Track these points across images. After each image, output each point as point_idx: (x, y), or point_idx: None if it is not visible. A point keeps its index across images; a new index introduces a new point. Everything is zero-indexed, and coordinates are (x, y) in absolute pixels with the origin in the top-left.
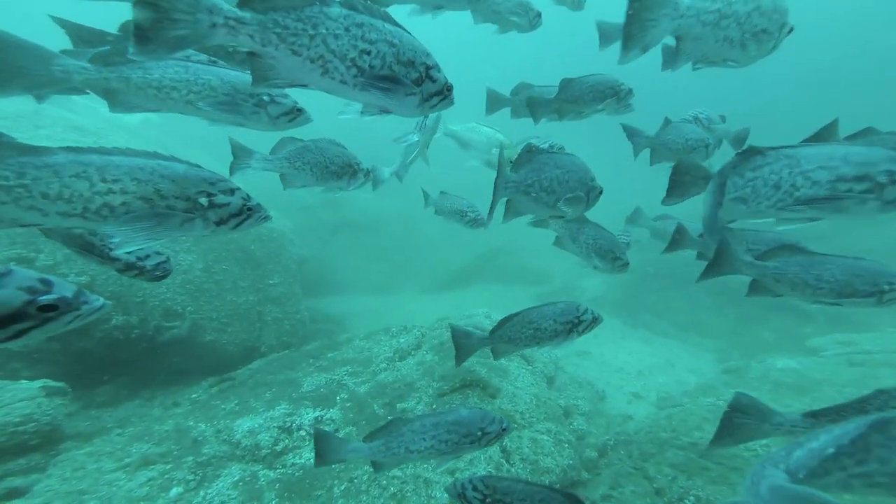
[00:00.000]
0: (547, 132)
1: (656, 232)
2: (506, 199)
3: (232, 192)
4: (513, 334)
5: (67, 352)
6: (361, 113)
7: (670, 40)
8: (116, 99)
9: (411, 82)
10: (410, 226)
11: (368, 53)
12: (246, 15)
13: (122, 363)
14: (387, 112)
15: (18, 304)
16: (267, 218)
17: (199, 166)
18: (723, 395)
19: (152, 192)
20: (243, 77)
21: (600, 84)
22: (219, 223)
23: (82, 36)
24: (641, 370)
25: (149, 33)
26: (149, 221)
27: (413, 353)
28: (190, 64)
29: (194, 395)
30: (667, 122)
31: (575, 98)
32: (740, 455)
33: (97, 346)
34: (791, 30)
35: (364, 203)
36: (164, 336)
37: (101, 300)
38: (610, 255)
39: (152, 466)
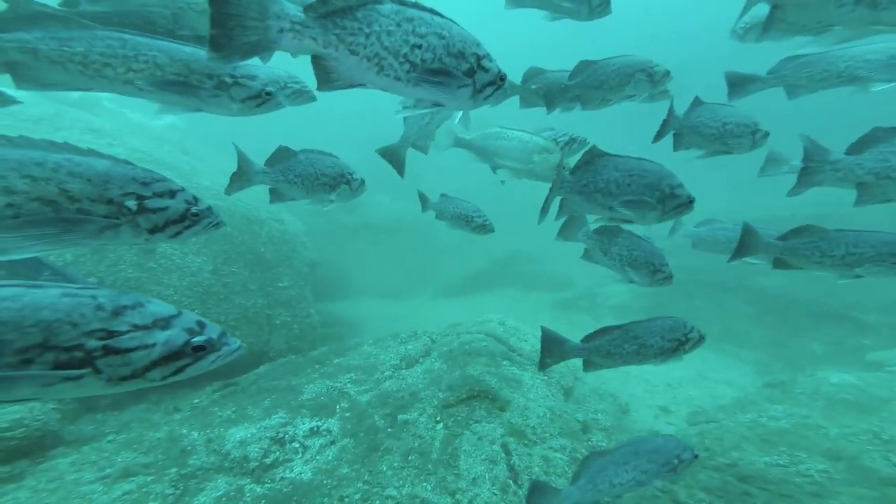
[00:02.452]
0: (564, 123)
1: (699, 240)
2: (561, 197)
3: (172, 193)
4: (613, 348)
5: None
6: (406, 108)
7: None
8: (22, 73)
9: (463, 73)
10: (427, 229)
11: (420, 48)
12: (309, 19)
13: None
14: (440, 106)
15: (181, 344)
16: (218, 224)
17: (129, 163)
18: (765, 412)
19: (55, 193)
20: (198, 53)
21: (628, 66)
22: (153, 230)
23: None
24: (670, 382)
25: (222, 40)
26: (50, 228)
27: (421, 360)
28: (129, 36)
29: (196, 401)
30: (697, 102)
31: (599, 83)
32: (790, 480)
33: None
34: None
35: (381, 206)
36: None
37: (238, 343)
38: (648, 267)
39: (132, 478)
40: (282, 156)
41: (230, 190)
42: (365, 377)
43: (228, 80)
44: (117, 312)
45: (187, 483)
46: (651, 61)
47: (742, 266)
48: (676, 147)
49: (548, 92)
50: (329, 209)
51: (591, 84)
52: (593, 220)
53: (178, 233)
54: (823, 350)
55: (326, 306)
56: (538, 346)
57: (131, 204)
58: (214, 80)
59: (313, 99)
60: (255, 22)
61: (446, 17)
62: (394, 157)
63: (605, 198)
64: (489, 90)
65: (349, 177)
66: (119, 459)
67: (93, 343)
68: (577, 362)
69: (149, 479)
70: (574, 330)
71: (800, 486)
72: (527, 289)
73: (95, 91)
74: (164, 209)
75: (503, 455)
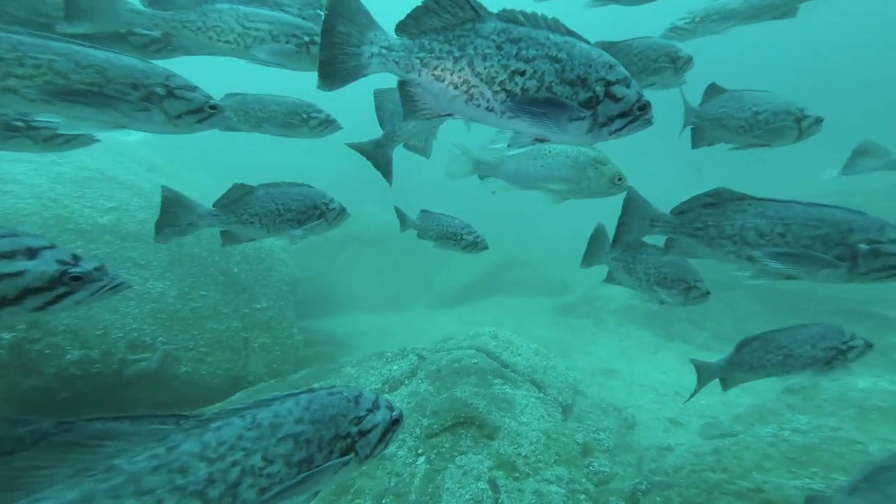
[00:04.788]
0: None
1: None
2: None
3: (192, 88)
4: (754, 360)
5: (14, 390)
6: (509, 145)
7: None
8: None
9: (580, 104)
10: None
11: (522, 74)
12: (396, 41)
13: (84, 400)
14: (543, 141)
15: (53, 273)
16: (227, 119)
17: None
18: (788, 423)
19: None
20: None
21: (652, 49)
22: (178, 116)
23: None
24: (679, 391)
25: (328, 69)
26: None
27: (406, 381)
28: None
29: None
30: (715, 89)
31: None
32: None
33: (51, 383)
34: None
35: (370, 216)
36: (131, 370)
37: (122, 277)
38: (681, 285)
39: None
40: (235, 194)
41: (159, 238)
42: None
43: (160, 90)
44: None
45: None
46: (674, 45)
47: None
48: (696, 143)
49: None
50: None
51: None
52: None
53: (200, 121)
54: None
55: (312, 324)
56: (533, 361)
57: (160, 90)
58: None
59: (339, 128)
60: (354, 48)
61: (573, 35)
62: (376, 156)
63: (738, 247)
64: (619, 122)
65: (324, 207)
66: None
67: None
68: (576, 374)
69: None
70: (576, 336)
71: None
72: (524, 295)
73: None
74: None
75: (490, 493)
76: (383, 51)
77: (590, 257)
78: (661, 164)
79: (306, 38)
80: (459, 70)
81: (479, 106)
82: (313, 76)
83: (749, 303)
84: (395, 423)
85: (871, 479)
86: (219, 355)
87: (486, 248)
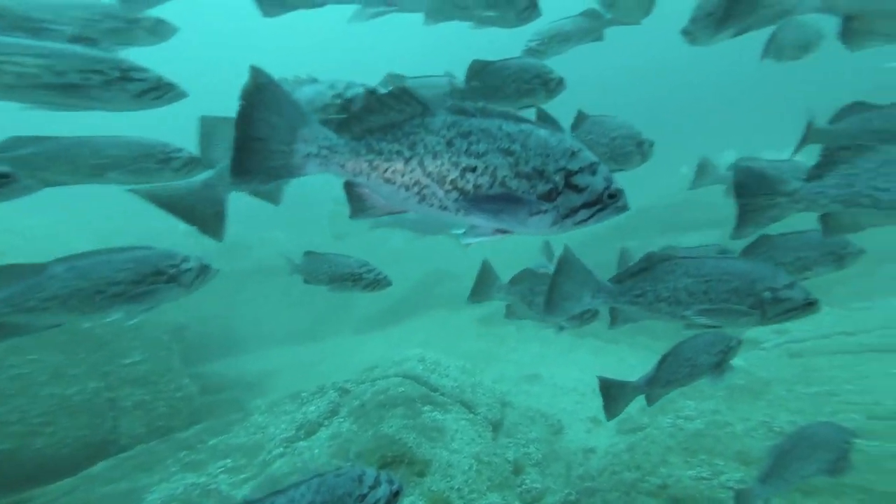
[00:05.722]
0: None
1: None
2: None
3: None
4: (670, 376)
5: None
6: (464, 233)
7: None
8: None
9: (540, 197)
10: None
11: (473, 171)
12: (340, 142)
13: None
14: (506, 233)
15: None
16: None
17: None
18: (682, 410)
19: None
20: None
21: (525, 70)
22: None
23: None
24: (596, 388)
25: (246, 164)
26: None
27: (326, 423)
28: None
29: None
30: (582, 116)
31: (496, 89)
32: (716, 497)
33: None
34: None
35: (275, 244)
36: None
37: None
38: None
39: None
40: (16, 275)
41: None
42: (245, 462)
43: (116, 73)
44: None
45: None
46: (546, 66)
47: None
48: None
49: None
50: (210, 251)
51: (489, 90)
52: None
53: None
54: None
55: (214, 369)
56: (461, 380)
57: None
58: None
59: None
60: (283, 146)
61: (529, 123)
62: (197, 204)
63: (672, 308)
64: (583, 214)
65: (173, 270)
66: None
67: None
68: (503, 386)
69: None
70: (501, 345)
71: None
72: (453, 308)
73: None
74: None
75: None
76: (324, 151)
77: (477, 295)
78: None
79: (115, 74)
80: (410, 171)
81: (432, 206)
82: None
83: None
84: (396, 495)
85: (775, 466)
86: (67, 422)
87: (390, 284)
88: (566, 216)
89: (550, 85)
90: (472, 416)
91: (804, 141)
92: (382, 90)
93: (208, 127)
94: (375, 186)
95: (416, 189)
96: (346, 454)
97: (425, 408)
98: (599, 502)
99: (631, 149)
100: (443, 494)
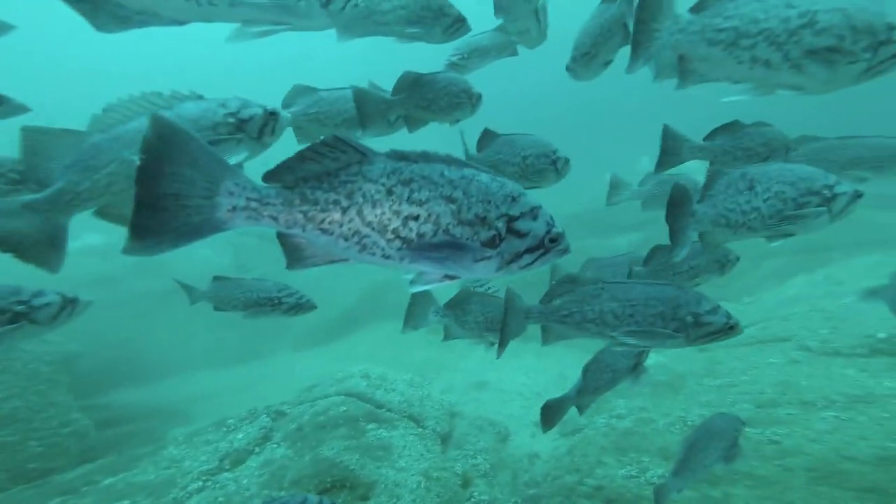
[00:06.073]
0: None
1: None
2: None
3: None
4: (596, 383)
5: None
6: (411, 282)
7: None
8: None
9: (483, 244)
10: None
11: (416, 219)
12: (270, 192)
13: None
14: (454, 278)
15: None
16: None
17: None
18: (614, 409)
19: None
20: None
21: (454, 84)
22: None
23: None
24: (539, 391)
25: (152, 224)
26: None
27: (257, 450)
28: None
29: None
30: (489, 134)
31: (428, 102)
32: (644, 495)
33: None
34: None
35: (204, 260)
36: None
37: None
38: None
39: None
40: None
41: None
42: (150, 502)
43: None
44: None
45: None
46: (468, 82)
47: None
48: None
49: (364, 108)
50: (118, 272)
51: (420, 103)
52: None
53: None
54: None
55: (120, 399)
56: (409, 393)
57: None
58: None
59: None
60: (201, 200)
61: (470, 168)
62: (24, 231)
63: (599, 328)
64: (527, 258)
65: (18, 308)
66: None
67: None
68: (451, 400)
69: None
70: (450, 352)
71: (651, 501)
72: (400, 319)
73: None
74: None
75: None
76: (253, 203)
77: (412, 321)
78: None
79: None
80: (349, 221)
81: (374, 254)
82: None
83: None
84: None
85: (684, 459)
86: None
87: (314, 307)
88: (510, 261)
89: (473, 99)
90: (420, 430)
91: (664, 158)
92: (283, 112)
93: (32, 139)
94: (312, 238)
95: (355, 239)
96: (281, 482)
97: (370, 426)
98: None
99: (545, 167)
100: None
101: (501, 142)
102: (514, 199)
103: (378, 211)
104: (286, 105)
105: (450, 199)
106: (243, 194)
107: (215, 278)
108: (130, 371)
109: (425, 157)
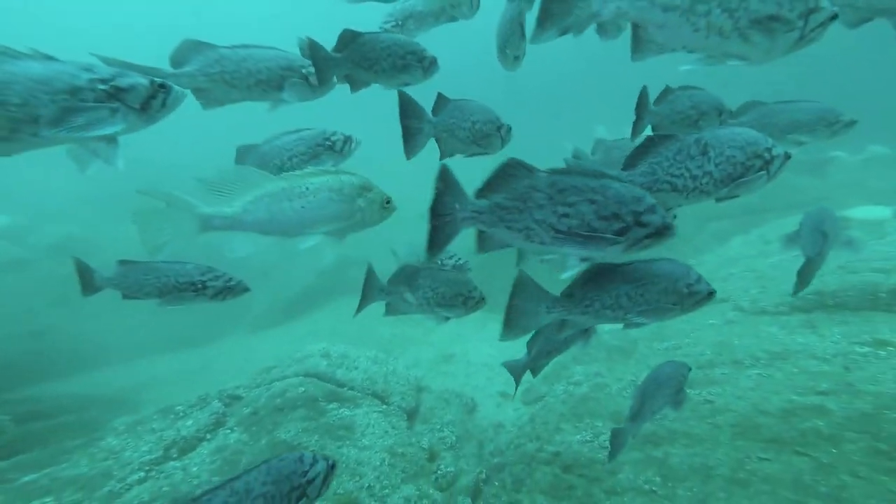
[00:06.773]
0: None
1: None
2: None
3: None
4: (549, 347)
5: None
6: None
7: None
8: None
9: (615, 233)
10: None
11: (567, 216)
12: (482, 204)
13: None
14: (588, 260)
15: None
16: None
17: None
18: (572, 376)
19: None
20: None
21: (398, 45)
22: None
23: None
24: (503, 361)
25: (435, 241)
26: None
27: (208, 437)
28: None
29: None
30: (443, 99)
31: (370, 62)
32: (596, 458)
33: None
34: (831, 17)
35: (134, 240)
36: None
37: None
38: (458, 300)
39: None
40: None
41: None
42: (82, 496)
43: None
44: None
45: None
46: (419, 45)
47: None
48: (443, 155)
49: (318, 59)
50: (31, 255)
51: (361, 63)
52: None
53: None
54: None
55: (48, 391)
56: (373, 371)
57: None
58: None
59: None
60: (449, 217)
61: (605, 178)
62: None
63: (616, 313)
64: (647, 241)
65: None
66: None
67: None
68: (418, 374)
69: None
70: (417, 327)
71: (603, 463)
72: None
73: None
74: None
75: None
76: (474, 214)
77: (366, 301)
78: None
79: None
80: (523, 220)
81: (533, 241)
82: None
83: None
84: (333, 468)
85: (638, 405)
86: None
87: (247, 289)
88: (632, 245)
89: (425, 63)
90: (385, 407)
91: (639, 124)
92: (171, 82)
93: None
94: (500, 233)
95: (525, 232)
96: (235, 468)
97: (331, 406)
98: (507, 476)
99: (491, 132)
100: (351, 495)
101: (453, 106)
102: (639, 200)
103: (543, 212)
104: (176, 63)
105: (592, 202)
106: (469, 208)
107: (120, 262)
108: (58, 361)
109: (574, 173)
